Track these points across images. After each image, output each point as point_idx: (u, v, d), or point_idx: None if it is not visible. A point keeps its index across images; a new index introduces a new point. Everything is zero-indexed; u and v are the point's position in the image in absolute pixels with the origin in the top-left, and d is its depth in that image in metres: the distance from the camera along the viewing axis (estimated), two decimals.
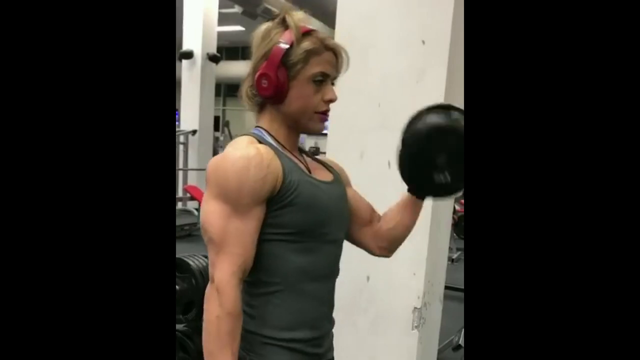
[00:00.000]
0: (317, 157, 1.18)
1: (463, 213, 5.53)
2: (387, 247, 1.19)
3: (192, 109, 7.30)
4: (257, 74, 1.01)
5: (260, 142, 1.01)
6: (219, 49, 7.49)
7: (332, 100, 1.05)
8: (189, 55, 7.14)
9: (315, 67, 1.01)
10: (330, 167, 1.17)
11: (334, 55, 1.04)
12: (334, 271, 1.10)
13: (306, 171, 1.05)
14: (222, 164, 0.96)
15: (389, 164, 1.94)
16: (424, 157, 1.09)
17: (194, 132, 7.16)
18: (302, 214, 0.99)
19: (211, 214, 0.95)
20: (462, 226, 5.55)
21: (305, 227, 1.00)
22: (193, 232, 6.32)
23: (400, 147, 1.11)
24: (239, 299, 0.94)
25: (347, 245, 1.15)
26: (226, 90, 12.79)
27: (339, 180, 1.14)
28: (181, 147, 7.11)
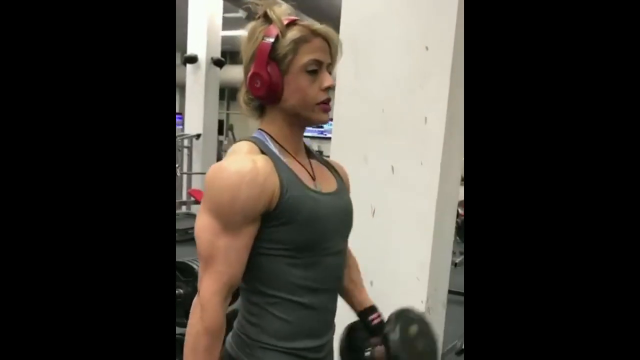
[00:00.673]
0: (324, 159, 1.14)
1: None
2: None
3: (196, 113, 7.31)
4: (248, 75, 0.98)
5: (261, 151, 0.98)
6: (223, 53, 7.51)
7: (330, 87, 0.99)
8: (193, 59, 7.15)
9: (306, 56, 0.96)
10: (336, 171, 1.14)
11: (325, 41, 0.98)
12: (336, 282, 1.07)
13: (308, 182, 1.01)
14: (219, 175, 0.93)
15: (392, 168, 1.94)
16: None
17: (198, 136, 7.17)
18: (301, 232, 0.96)
19: (202, 228, 0.94)
20: None
21: (305, 244, 0.97)
22: None
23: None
24: (221, 317, 0.93)
25: (344, 262, 1.13)
26: (230, 94, 12.80)
27: (343, 189, 1.11)
28: (185, 151, 7.12)
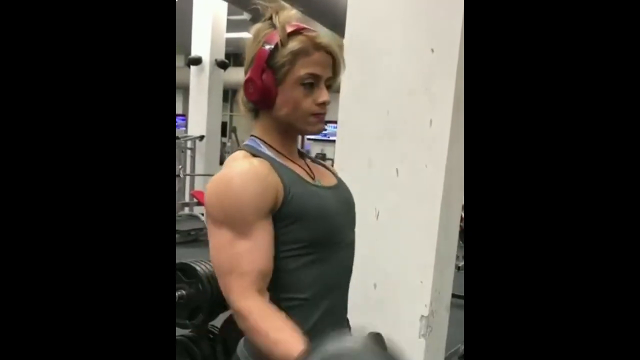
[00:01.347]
0: (317, 160, 1.15)
1: None
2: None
3: (200, 115, 7.33)
4: (245, 78, 0.98)
5: (255, 155, 0.97)
6: (227, 55, 7.52)
7: (325, 103, 0.98)
8: (197, 61, 7.17)
9: (303, 69, 0.94)
10: (330, 170, 1.14)
11: (328, 54, 0.96)
12: (349, 275, 1.08)
13: (309, 179, 1.01)
14: (220, 186, 0.92)
15: (397, 171, 1.93)
16: None
17: (201, 137, 7.19)
18: (312, 227, 0.95)
19: (217, 246, 0.92)
20: None
21: (318, 238, 0.97)
22: (199, 237, 6.32)
23: None
24: (263, 308, 0.89)
25: (354, 253, 1.15)
26: (233, 96, 12.86)
27: (342, 183, 1.12)
28: (189, 152, 7.14)
